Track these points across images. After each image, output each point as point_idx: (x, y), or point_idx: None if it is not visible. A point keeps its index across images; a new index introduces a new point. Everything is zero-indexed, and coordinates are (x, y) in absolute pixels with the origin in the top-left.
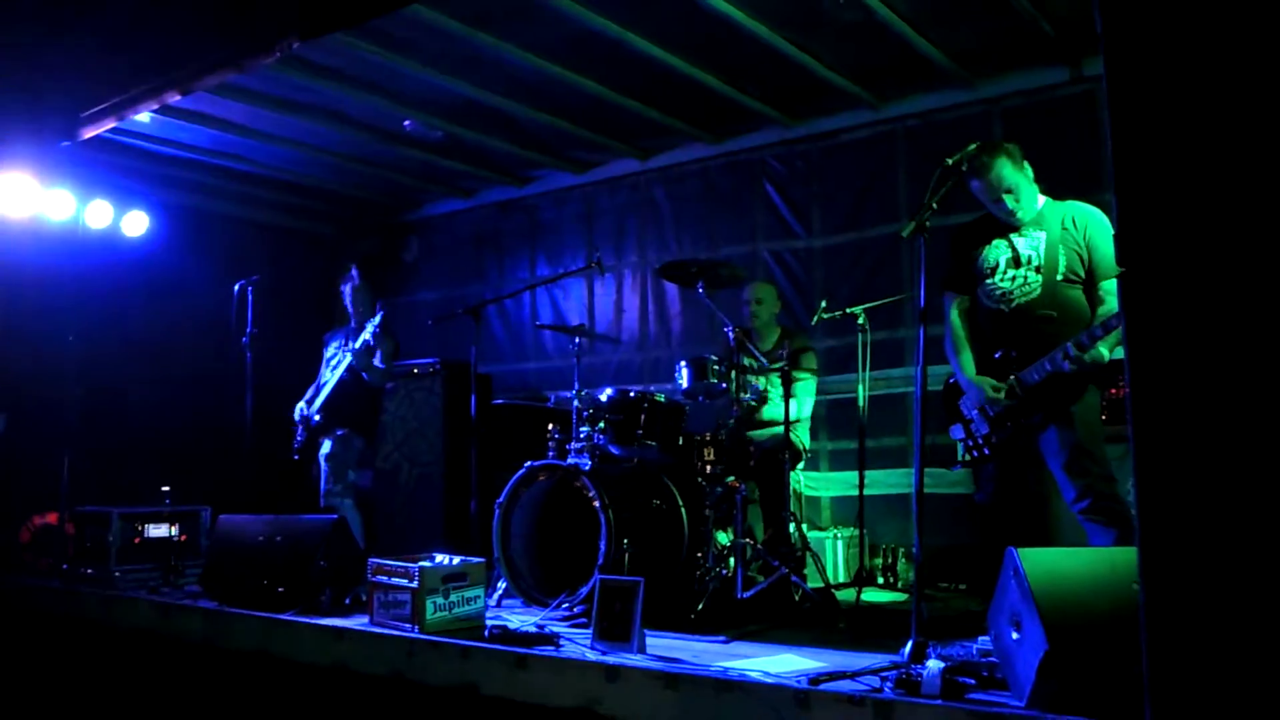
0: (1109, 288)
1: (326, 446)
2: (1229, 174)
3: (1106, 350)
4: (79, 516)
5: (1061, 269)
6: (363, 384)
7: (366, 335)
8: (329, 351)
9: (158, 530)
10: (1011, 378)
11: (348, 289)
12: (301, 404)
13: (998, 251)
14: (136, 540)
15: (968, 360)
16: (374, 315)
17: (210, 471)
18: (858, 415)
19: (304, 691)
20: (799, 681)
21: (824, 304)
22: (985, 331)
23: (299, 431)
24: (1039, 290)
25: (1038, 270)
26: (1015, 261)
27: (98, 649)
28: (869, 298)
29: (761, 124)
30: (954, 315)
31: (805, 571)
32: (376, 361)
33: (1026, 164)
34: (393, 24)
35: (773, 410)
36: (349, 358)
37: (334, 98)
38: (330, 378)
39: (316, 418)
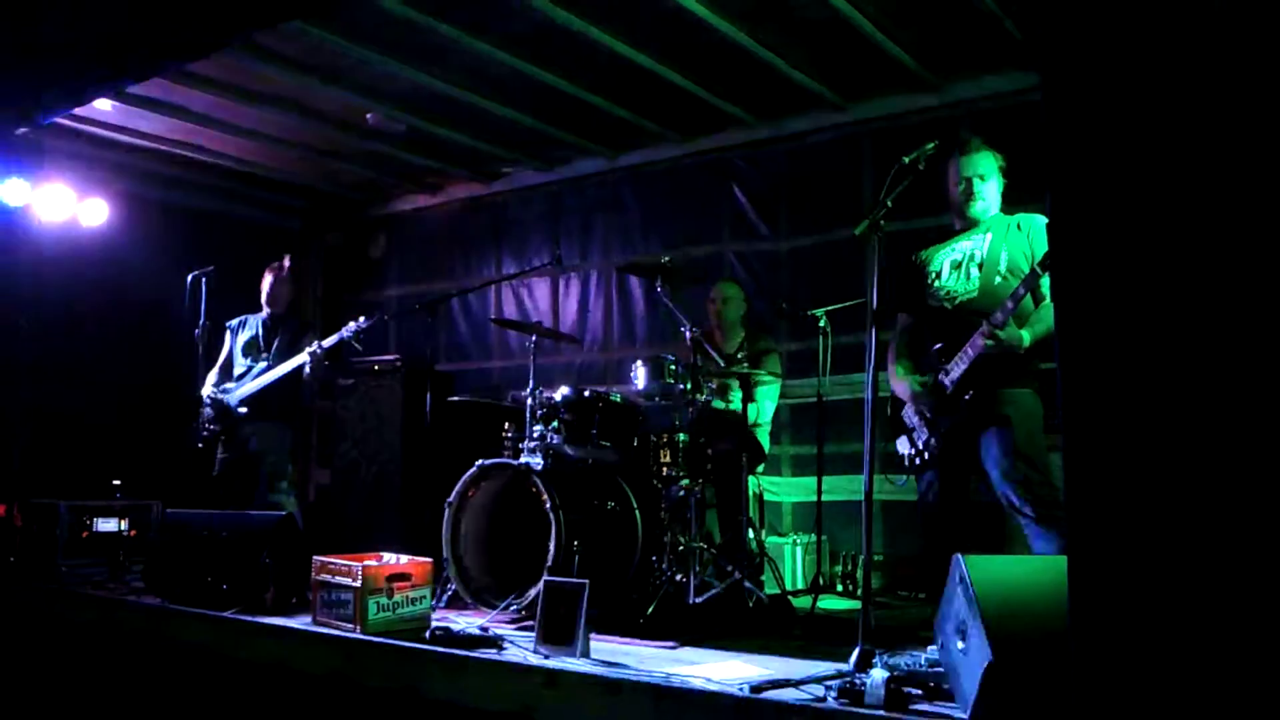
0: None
1: (257, 442)
2: (1163, 170)
3: (1028, 334)
4: (27, 508)
5: (1003, 267)
6: (298, 377)
7: (346, 334)
8: (241, 338)
9: (107, 524)
10: (941, 373)
11: (274, 276)
12: (209, 389)
13: (943, 256)
14: (85, 534)
15: (900, 368)
16: (357, 319)
17: (163, 465)
18: (818, 419)
19: (243, 692)
20: (740, 689)
21: (785, 305)
22: (929, 333)
23: (208, 418)
24: (978, 288)
25: (980, 267)
26: (958, 263)
27: (40, 644)
28: (833, 300)
29: (729, 124)
30: (897, 332)
31: (762, 578)
32: (326, 361)
33: (1003, 176)
34: (355, 13)
35: (732, 411)
36: (306, 354)
37: (296, 88)
38: (262, 369)
39: (242, 409)
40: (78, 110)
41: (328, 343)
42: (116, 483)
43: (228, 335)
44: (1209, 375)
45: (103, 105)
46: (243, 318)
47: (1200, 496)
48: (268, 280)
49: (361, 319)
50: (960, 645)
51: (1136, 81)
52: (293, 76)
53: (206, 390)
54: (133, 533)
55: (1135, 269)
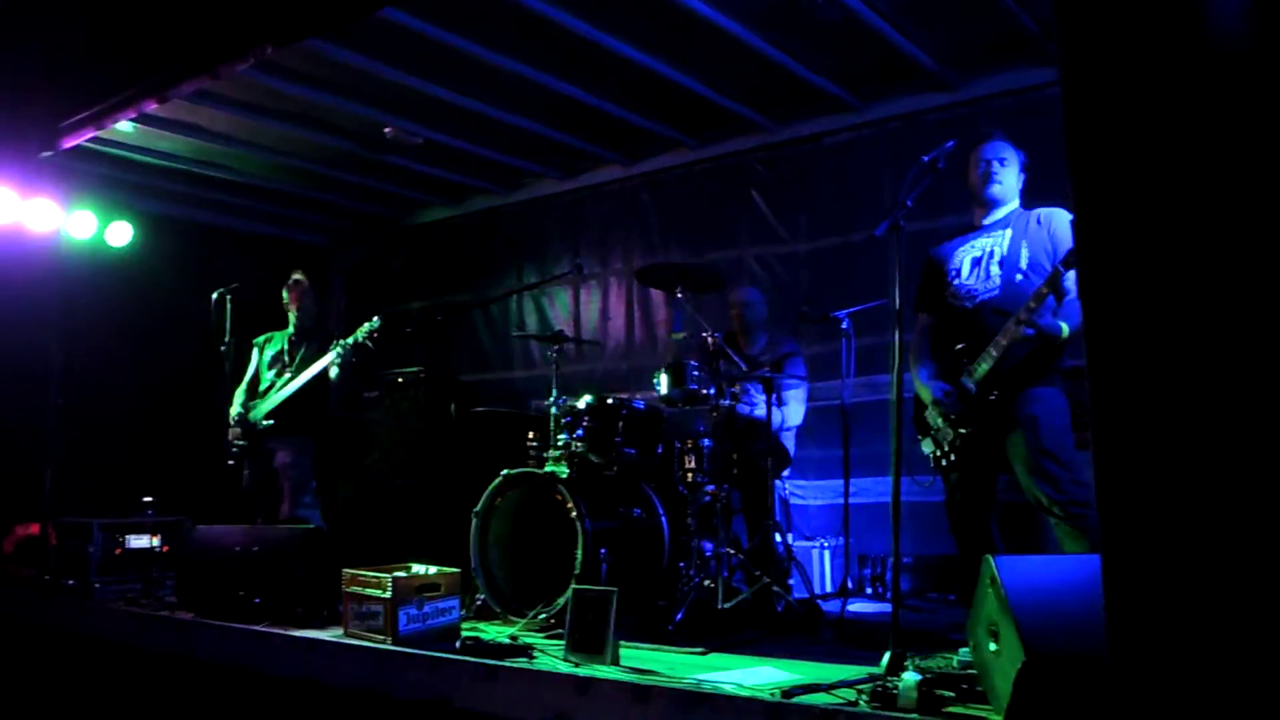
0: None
1: (281, 456)
2: (1192, 161)
3: (1066, 325)
4: (61, 527)
5: (1023, 264)
6: (320, 389)
7: (360, 337)
8: (267, 354)
9: (139, 541)
10: (964, 375)
11: (294, 292)
12: (237, 406)
13: (962, 253)
14: (118, 551)
15: (924, 370)
16: (370, 319)
17: (193, 481)
18: (843, 421)
19: (276, 705)
20: (771, 695)
21: (805, 309)
22: (949, 332)
23: (236, 434)
24: (999, 285)
25: (1000, 264)
26: (978, 261)
27: (75, 661)
28: (855, 302)
29: (745, 128)
30: (918, 332)
31: (790, 582)
32: (354, 359)
33: (1022, 170)
34: (370, 29)
35: (756, 416)
36: (331, 354)
37: (314, 105)
38: (283, 381)
39: (267, 422)
40: (100, 133)
41: (347, 342)
42: (148, 500)
43: (254, 351)
44: (1242, 369)
45: (123, 127)
46: (268, 333)
47: (1236, 492)
48: (287, 295)
49: (375, 319)
50: (993, 646)
51: (1162, 68)
52: (310, 93)
53: (234, 408)
54: (165, 549)
55: (1165, 262)
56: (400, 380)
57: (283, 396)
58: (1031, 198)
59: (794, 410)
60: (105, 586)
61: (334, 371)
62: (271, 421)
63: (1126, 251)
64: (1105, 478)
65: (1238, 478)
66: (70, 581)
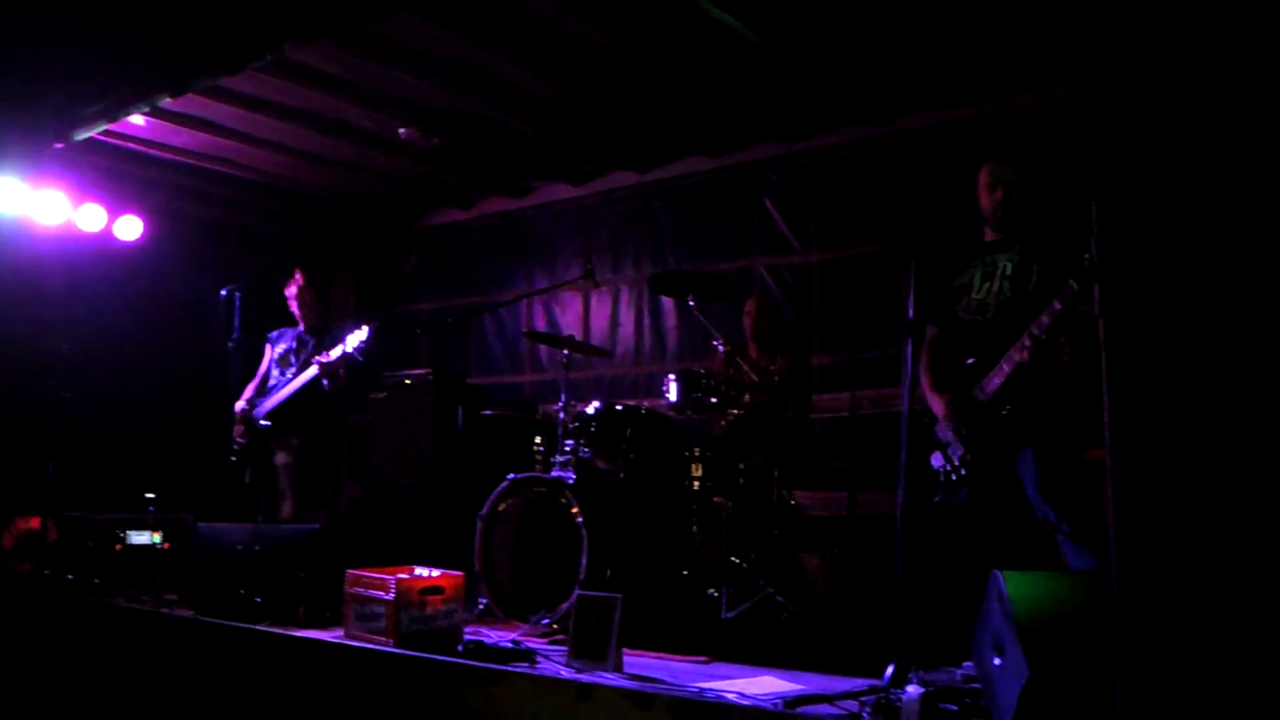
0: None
1: (283, 455)
2: (1209, 177)
3: (1069, 346)
4: (61, 522)
5: (1035, 279)
6: (322, 390)
7: (349, 348)
8: (276, 350)
9: (140, 538)
10: (975, 389)
11: (292, 291)
12: (242, 402)
13: (974, 269)
14: (118, 547)
15: (934, 383)
16: (359, 328)
17: (197, 479)
18: (851, 433)
19: (275, 705)
20: (775, 704)
21: (818, 319)
22: (960, 348)
23: (239, 432)
24: (1011, 301)
25: (1012, 281)
26: (990, 275)
27: (72, 656)
28: (865, 314)
29: (761, 137)
30: (926, 346)
31: (795, 592)
32: (341, 372)
33: (1033, 185)
34: (387, 30)
35: (765, 426)
36: (314, 367)
37: (329, 104)
38: (286, 381)
39: (265, 423)
40: (112, 126)
41: (333, 355)
42: (150, 496)
43: (267, 347)
44: (1269, 386)
45: (136, 121)
46: (281, 330)
47: (1254, 507)
48: (289, 295)
49: (365, 330)
50: (997, 661)
51: (1188, 86)
52: (325, 93)
53: (239, 404)
54: (166, 546)
55: (1186, 278)
56: (407, 382)
57: (280, 399)
58: (1041, 212)
59: (801, 420)
60: (105, 582)
61: (325, 382)
62: (270, 423)
63: (1147, 264)
64: (1120, 489)
65: (1255, 487)
66: (69, 577)
